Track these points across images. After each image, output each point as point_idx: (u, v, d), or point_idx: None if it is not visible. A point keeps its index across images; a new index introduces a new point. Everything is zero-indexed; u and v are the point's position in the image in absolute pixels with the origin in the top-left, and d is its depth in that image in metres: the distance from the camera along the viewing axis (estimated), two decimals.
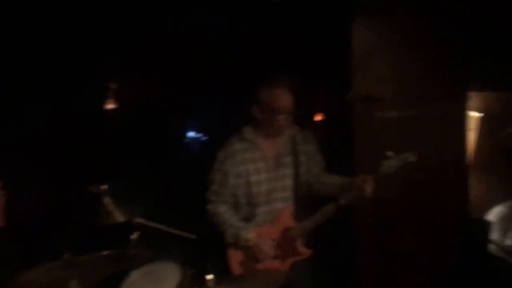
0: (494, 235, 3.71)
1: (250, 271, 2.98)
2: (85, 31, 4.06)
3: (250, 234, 2.97)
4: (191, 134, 4.83)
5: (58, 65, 3.99)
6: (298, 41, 3.98)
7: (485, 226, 3.68)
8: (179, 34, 4.25)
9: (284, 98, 2.98)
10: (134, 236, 2.73)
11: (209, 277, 2.22)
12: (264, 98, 2.99)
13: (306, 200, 3.23)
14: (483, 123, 4.49)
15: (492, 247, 3.65)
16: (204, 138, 4.80)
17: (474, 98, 4.08)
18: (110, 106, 4.30)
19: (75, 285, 2.32)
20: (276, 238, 3.08)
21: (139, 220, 2.80)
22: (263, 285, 2.36)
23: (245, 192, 3.09)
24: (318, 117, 3.94)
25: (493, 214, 3.90)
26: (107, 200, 2.76)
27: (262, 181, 3.09)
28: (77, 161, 4.04)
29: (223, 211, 3.07)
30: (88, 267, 2.53)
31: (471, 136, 4.16)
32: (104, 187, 2.76)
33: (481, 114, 4.47)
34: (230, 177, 3.06)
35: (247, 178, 3.07)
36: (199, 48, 4.38)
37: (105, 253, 2.65)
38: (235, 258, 3.04)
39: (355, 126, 3.46)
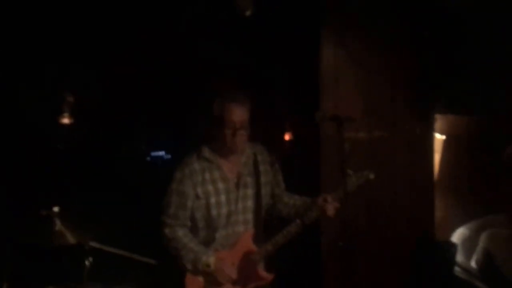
0: (458, 257, 3.69)
1: None
2: (41, 41, 3.88)
3: (210, 258, 2.81)
4: (154, 152, 4.67)
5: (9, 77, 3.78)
6: (266, 60, 3.91)
7: (452, 248, 3.65)
8: (141, 48, 4.12)
9: (237, 112, 2.81)
10: (88, 262, 2.57)
11: None
12: (217, 113, 2.84)
13: (267, 222, 3.10)
14: (446, 145, 4.52)
15: (457, 270, 3.62)
16: (167, 156, 4.65)
17: (438, 120, 4.09)
18: (65, 120, 4.10)
19: None
20: (237, 262, 2.93)
21: (93, 244, 2.64)
22: None
23: (204, 214, 2.92)
24: (287, 137, 3.85)
25: (456, 236, 3.89)
26: (58, 223, 2.59)
27: (222, 203, 2.93)
28: (28, 182, 3.82)
29: (181, 235, 2.88)
30: None
31: (435, 158, 4.17)
32: (56, 209, 2.59)
33: (444, 137, 4.50)
34: (188, 199, 2.88)
35: (206, 200, 2.90)
36: (164, 63, 4.26)
37: None
38: (193, 285, 2.87)
39: (323, 146, 3.39)
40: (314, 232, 3.31)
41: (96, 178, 4.14)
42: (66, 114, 4.12)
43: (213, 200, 2.90)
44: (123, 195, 4.10)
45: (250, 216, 3.01)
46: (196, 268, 2.82)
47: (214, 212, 2.90)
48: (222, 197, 2.93)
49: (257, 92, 2.96)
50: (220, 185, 2.93)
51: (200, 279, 2.87)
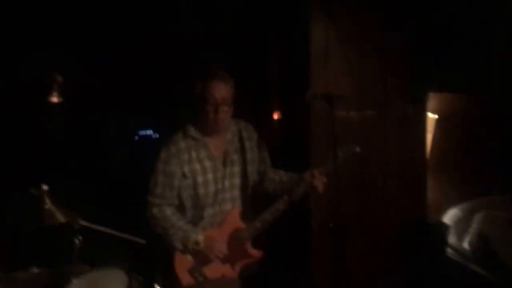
0: (451, 238, 3.69)
1: (199, 279, 2.81)
2: (28, 21, 3.82)
3: (199, 236, 2.80)
4: (142, 131, 4.63)
5: None
6: (256, 39, 3.86)
7: (444, 229, 3.65)
8: (126, 28, 4.07)
9: (218, 89, 2.80)
10: (77, 240, 2.55)
11: (157, 287, 2.05)
12: (199, 91, 2.82)
13: (254, 199, 3.09)
14: (439, 125, 4.50)
15: (449, 251, 3.62)
16: (155, 135, 4.61)
17: (430, 99, 4.07)
18: (54, 99, 4.06)
19: None
20: (225, 240, 2.92)
21: (82, 222, 2.62)
22: None
23: (191, 193, 2.90)
24: (276, 116, 3.82)
25: (448, 217, 3.89)
26: (48, 201, 2.57)
27: (209, 182, 2.91)
28: (17, 160, 3.78)
29: (169, 214, 2.87)
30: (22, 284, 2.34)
31: (428, 138, 4.15)
32: (45, 187, 2.56)
33: (436, 116, 4.48)
34: (175, 178, 2.86)
35: (193, 179, 2.88)
36: (151, 42, 4.21)
37: (36, 270, 2.47)
38: (182, 266, 2.84)
39: (313, 125, 3.36)
40: (304, 213, 3.29)
41: (85, 157, 4.11)
42: (55, 93, 4.07)
43: (200, 179, 2.89)
44: (111, 174, 4.09)
45: (237, 193, 3.01)
46: (186, 247, 2.80)
47: (201, 190, 2.89)
48: (209, 176, 2.91)
49: (247, 72, 2.92)
50: (207, 164, 2.91)
51: (189, 257, 2.86)
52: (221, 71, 2.86)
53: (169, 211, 2.87)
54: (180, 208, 2.93)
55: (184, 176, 2.87)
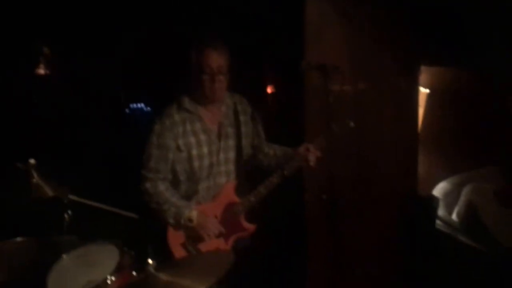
0: (440, 211, 3.72)
1: (192, 253, 2.81)
2: None
3: (192, 212, 2.78)
4: (133, 104, 4.56)
5: None
6: (250, 12, 3.78)
7: (434, 202, 3.67)
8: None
9: (214, 57, 2.74)
10: (67, 215, 2.52)
11: (150, 261, 2.02)
12: (194, 59, 2.77)
13: (248, 173, 3.09)
14: (430, 99, 4.49)
15: (438, 223, 3.65)
16: (148, 109, 4.55)
17: (422, 73, 4.05)
18: (41, 72, 3.98)
19: None
20: (219, 214, 2.92)
21: (72, 197, 2.59)
22: (210, 269, 2.17)
23: (185, 167, 2.87)
24: (270, 89, 3.77)
25: (438, 191, 3.92)
26: (35, 175, 2.52)
27: (204, 155, 2.88)
28: (3, 134, 3.71)
29: (163, 189, 2.83)
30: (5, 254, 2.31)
31: (419, 112, 4.15)
32: (33, 161, 2.51)
33: (428, 90, 4.47)
34: (169, 152, 2.82)
35: (188, 152, 2.85)
36: (142, 13, 4.12)
37: (18, 239, 2.44)
38: (175, 240, 2.84)
39: (307, 97, 3.32)
40: (298, 185, 3.28)
41: (74, 131, 4.05)
42: (41, 66, 3.99)
43: (195, 152, 2.85)
44: (102, 148, 4.03)
45: (231, 167, 2.99)
46: (179, 223, 2.78)
47: (196, 164, 2.85)
48: (204, 149, 2.88)
49: (240, 44, 2.86)
50: (202, 137, 2.88)
51: (183, 233, 2.84)
52: (216, 39, 2.80)
53: (162, 187, 2.83)
54: (174, 182, 2.90)
55: (178, 149, 2.83)
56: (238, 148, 3.00)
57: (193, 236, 2.83)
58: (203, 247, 2.84)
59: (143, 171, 2.82)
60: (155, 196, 2.81)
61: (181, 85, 2.87)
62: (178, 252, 2.81)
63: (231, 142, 2.98)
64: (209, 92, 2.79)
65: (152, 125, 2.82)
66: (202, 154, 2.87)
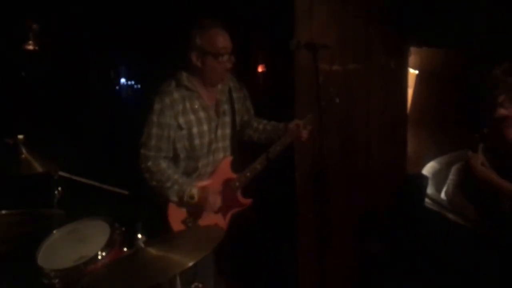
0: (429, 189, 3.75)
1: (192, 228, 2.83)
2: None
3: (194, 189, 2.80)
4: (123, 81, 4.52)
5: None
6: None
7: (423, 181, 3.70)
8: None
9: (225, 38, 2.77)
10: (57, 191, 2.52)
11: (140, 236, 2.03)
12: (200, 43, 2.76)
13: (241, 148, 3.13)
14: (419, 80, 4.51)
15: (427, 201, 3.69)
16: (137, 86, 4.51)
17: (412, 54, 4.06)
18: (29, 47, 3.92)
19: None
20: (218, 190, 2.95)
21: (62, 173, 2.58)
22: (199, 243, 2.19)
23: (186, 144, 2.87)
24: (260, 68, 3.76)
25: (427, 170, 3.95)
26: (24, 151, 2.51)
27: (204, 132, 2.89)
28: None
29: (165, 167, 2.81)
30: None
31: (408, 93, 4.17)
32: (21, 137, 2.50)
33: (417, 72, 4.48)
34: (170, 130, 2.80)
35: (188, 130, 2.85)
36: None
37: (3, 212, 2.44)
38: (176, 217, 2.86)
39: (297, 77, 3.32)
40: (287, 162, 3.30)
41: (63, 107, 4.01)
42: (30, 42, 3.94)
43: (195, 130, 2.86)
44: (91, 124, 4.01)
45: (228, 143, 3.03)
46: (181, 200, 2.80)
47: (196, 142, 2.87)
48: (204, 126, 2.89)
49: (230, 23, 2.84)
50: (202, 114, 2.89)
51: (183, 209, 2.87)
52: (219, 20, 2.80)
53: (164, 164, 2.82)
54: (174, 159, 2.90)
55: (179, 127, 2.83)
56: (233, 125, 3.03)
57: (194, 213, 2.87)
58: (203, 223, 2.88)
59: (144, 150, 2.78)
60: (158, 174, 2.79)
61: (173, 63, 2.86)
62: (178, 228, 2.83)
63: (228, 119, 3.01)
64: (221, 73, 2.82)
65: (150, 103, 2.78)
66: (203, 132, 2.89)
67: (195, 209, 2.85)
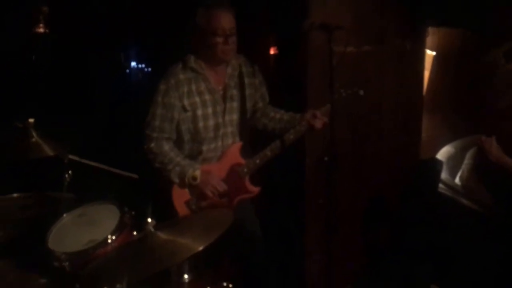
0: (443, 174, 3.72)
1: (196, 212, 2.82)
2: None
3: (196, 171, 2.79)
4: (133, 64, 4.51)
5: None
6: None
7: (438, 165, 3.65)
8: None
9: (226, 19, 2.73)
10: (67, 175, 2.51)
11: (150, 220, 2.02)
12: (202, 22, 2.75)
13: (252, 135, 3.10)
14: (436, 62, 4.43)
15: (441, 186, 3.65)
16: (148, 69, 4.50)
17: (429, 35, 3.97)
18: (40, 30, 3.92)
19: None
20: (224, 175, 2.93)
21: (72, 157, 2.58)
22: (209, 228, 2.17)
23: (190, 127, 2.87)
24: (272, 51, 3.71)
25: (441, 154, 3.91)
26: (34, 134, 2.51)
27: (209, 115, 2.88)
28: (2, 93, 3.68)
29: (167, 149, 2.83)
30: (2, 209, 2.31)
31: (425, 75, 4.10)
32: (31, 120, 2.49)
33: (434, 53, 4.41)
34: (174, 111, 2.80)
35: (193, 112, 2.84)
36: None
37: (15, 195, 2.43)
38: (180, 198, 2.85)
39: (311, 59, 3.26)
40: (298, 149, 3.26)
41: (73, 90, 4.01)
42: (41, 24, 3.93)
43: (199, 112, 2.85)
44: (101, 107, 4.00)
45: (236, 129, 3.00)
46: (183, 181, 2.80)
47: (200, 124, 2.86)
48: (208, 110, 2.87)
49: (242, 4, 2.80)
50: (207, 97, 2.87)
51: (187, 192, 2.86)
52: (225, 1, 2.77)
53: (167, 146, 2.83)
54: (178, 142, 2.90)
55: (183, 108, 2.82)
56: (242, 111, 3.00)
57: (197, 195, 2.85)
58: (207, 206, 2.86)
59: (148, 130, 2.81)
60: (160, 156, 2.81)
61: (184, 45, 2.83)
62: (182, 210, 2.83)
63: (235, 104, 2.98)
64: (222, 53, 2.78)
65: (157, 85, 2.80)
66: (207, 114, 2.87)
67: (198, 191, 2.84)
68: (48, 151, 2.53)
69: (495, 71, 3.85)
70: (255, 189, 2.98)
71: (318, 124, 2.86)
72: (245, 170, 2.93)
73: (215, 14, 2.72)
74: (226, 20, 2.72)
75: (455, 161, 3.82)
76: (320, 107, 2.90)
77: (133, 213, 2.58)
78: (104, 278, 2.00)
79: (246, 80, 3.00)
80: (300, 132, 2.91)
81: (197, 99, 2.84)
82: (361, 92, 2.99)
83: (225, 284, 2.19)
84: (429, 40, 4.05)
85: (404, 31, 3.63)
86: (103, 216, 2.61)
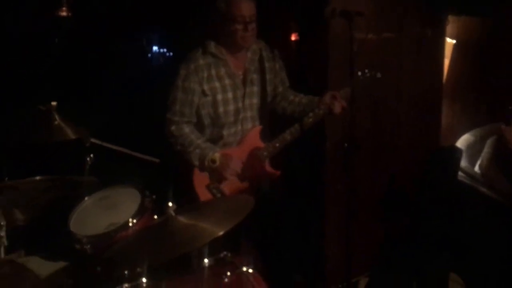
0: (462, 162, 3.69)
1: (217, 194, 2.84)
2: None
3: (216, 154, 2.80)
4: (155, 48, 4.53)
5: None
6: None
7: (457, 153, 3.63)
8: None
9: (244, 6, 2.75)
10: (89, 158, 2.53)
11: (171, 204, 2.03)
12: (222, 8, 2.77)
13: (272, 119, 3.12)
14: (456, 50, 4.38)
15: (461, 175, 3.63)
16: (169, 54, 4.51)
17: (449, 23, 3.93)
18: (63, 13, 3.93)
19: None
20: (244, 158, 2.94)
21: (94, 140, 2.60)
22: (230, 213, 2.18)
23: (210, 111, 2.90)
24: (293, 37, 3.70)
25: (461, 142, 3.89)
26: (57, 117, 2.53)
27: (229, 100, 2.91)
28: (25, 77, 3.70)
29: (188, 131, 2.86)
30: (24, 193, 2.33)
31: (445, 63, 4.06)
32: (54, 103, 2.52)
33: (454, 41, 4.36)
34: (195, 95, 2.84)
35: (213, 97, 2.87)
36: None
37: (37, 178, 2.46)
38: (200, 182, 2.87)
39: (331, 45, 3.25)
40: (318, 134, 3.26)
41: (95, 74, 4.03)
42: (64, 8, 3.95)
43: (219, 96, 2.88)
44: (123, 91, 4.02)
45: (256, 113, 3.02)
46: (203, 164, 2.82)
47: (221, 109, 2.89)
48: (228, 94, 2.90)
49: None
50: (227, 82, 2.89)
51: (207, 176, 2.88)
52: None
53: (187, 129, 2.86)
54: (199, 126, 2.93)
55: (204, 93, 2.85)
56: (263, 95, 3.02)
57: (217, 179, 2.87)
58: (227, 189, 2.88)
59: (168, 114, 2.85)
60: (180, 139, 2.84)
61: (205, 31, 2.84)
62: (203, 193, 2.85)
63: (256, 89, 3.00)
64: (242, 40, 2.81)
65: (177, 69, 2.83)
66: (227, 99, 2.90)
67: (218, 175, 2.85)
68: (71, 134, 2.56)
69: None
70: (276, 172, 3.00)
71: (337, 108, 2.87)
72: (265, 153, 2.94)
73: (236, 1, 2.74)
74: (246, 7, 2.74)
75: (474, 150, 3.79)
76: (340, 90, 2.91)
77: (154, 197, 2.60)
78: (124, 261, 2.03)
79: (266, 65, 3.02)
80: (319, 116, 2.91)
81: (217, 84, 2.87)
82: (379, 75, 3.00)
83: (245, 269, 2.18)
84: (449, 28, 4.01)
85: (424, 18, 3.61)
86: (124, 199, 2.64)
